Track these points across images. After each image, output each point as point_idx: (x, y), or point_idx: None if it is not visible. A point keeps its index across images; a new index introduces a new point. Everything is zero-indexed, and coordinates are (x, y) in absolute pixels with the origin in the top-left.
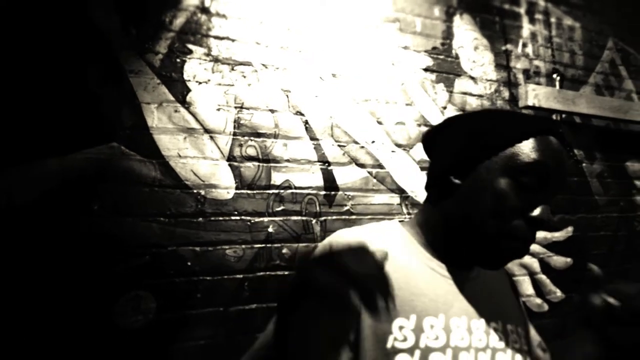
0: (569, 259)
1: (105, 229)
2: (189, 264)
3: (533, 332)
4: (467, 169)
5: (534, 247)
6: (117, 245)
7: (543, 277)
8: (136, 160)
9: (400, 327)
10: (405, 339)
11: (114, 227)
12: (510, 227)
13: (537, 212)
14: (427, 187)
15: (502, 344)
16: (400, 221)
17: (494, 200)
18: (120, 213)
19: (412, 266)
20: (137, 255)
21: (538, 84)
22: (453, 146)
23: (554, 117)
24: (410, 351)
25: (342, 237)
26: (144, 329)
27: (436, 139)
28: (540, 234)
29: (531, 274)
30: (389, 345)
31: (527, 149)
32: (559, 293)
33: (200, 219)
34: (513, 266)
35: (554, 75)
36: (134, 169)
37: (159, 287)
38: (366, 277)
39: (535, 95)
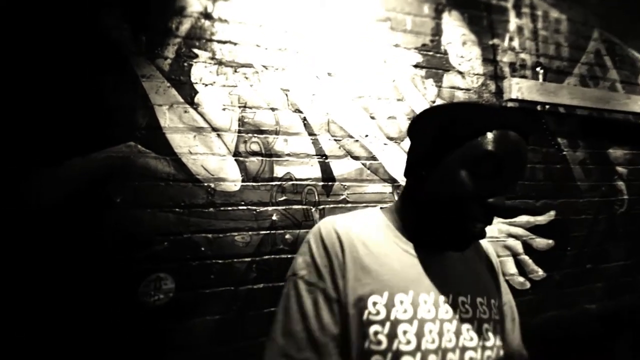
0: (550, 241)
1: (128, 220)
2: (202, 249)
3: (508, 306)
4: (435, 160)
5: (518, 230)
6: (139, 234)
7: (526, 257)
8: (151, 157)
9: (374, 303)
10: (378, 313)
11: (136, 218)
12: (467, 212)
13: (493, 199)
14: (405, 175)
15: (468, 315)
16: (381, 208)
17: (454, 188)
18: (140, 205)
19: (386, 248)
20: (157, 242)
21: (523, 76)
22: (424, 138)
23: (538, 107)
24: (382, 323)
25: (326, 224)
26: (165, 306)
27: (413, 130)
28: (524, 218)
29: (514, 254)
30: (364, 317)
31: (483, 142)
32: (540, 272)
33: (211, 209)
34: (497, 247)
35: (538, 69)
36: (150, 166)
37: (177, 269)
38: (344, 261)
39: (519, 88)
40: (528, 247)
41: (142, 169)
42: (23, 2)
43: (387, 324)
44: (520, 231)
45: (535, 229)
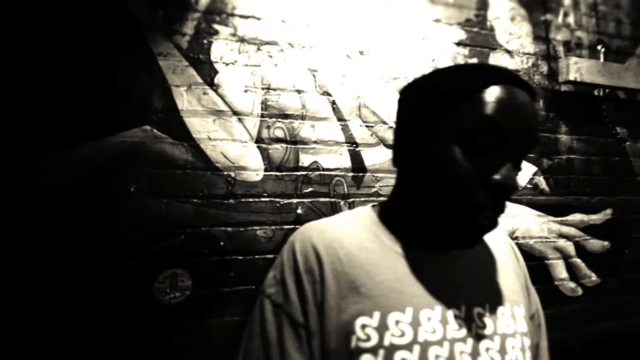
0: (606, 243)
1: (143, 210)
2: (221, 243)
3: (537, 315)
4: (423, 141)
5: (570, 230)
6: (155, 225)
7: (578, 260)
8: (168, 143)
9: (363, 326)
10: (368, 338)
11: (151, 208)
12: (470, 198)
13: (497, 175)
14: (394, 164)
15: (486, 331)
16: (372, 205)
17: (448, 172)
18: (155, 194)
19: (378, 255)
20: (173, 235)
21: (580, 56)
22: (405, 119)
23: (595, 92)
24: (374, 351)
25: (303, 232)
26: (182, 304)
27: (398, 109)
28: (577, 217)
29: (565, 257)
30: (352, 345)
31: (474, 106)
32: (594, 277)
33: (231, 200)
34: (547, 249)
35: (599, 47)
36: (167, 152)
37: (194, 265)
38: (322, 278)
39: (577, 69)
40: (581, 250)
41: (158, 156)
42: None
43: (381, 352)
44: (572, 231)
45: (589, 229)
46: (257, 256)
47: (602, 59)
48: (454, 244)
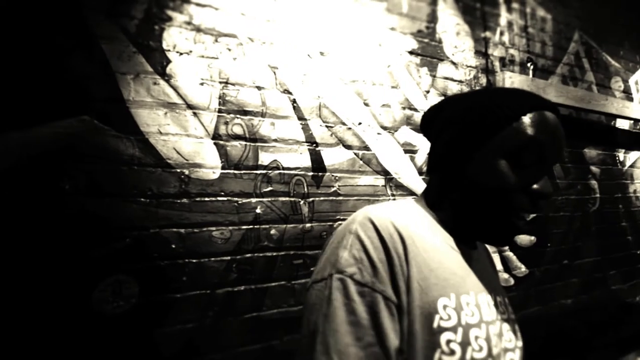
0: (532, 237)
1: (80, 210)
2: (173, 246)
3: None
4: (467, 153)
5: None
6: (95, 228)
7: (510, 254)
8: (112, 135)
9: (445, 307)
10: (449, 318)
11: (90, 208)
12: (514, 204)
13: (537, 185)
14: (430, 171)
15: (505, 316)
16: (414, 199)
17: (496, 181)
18: (96, 193)
19: (439, 246)
20: (117, 238)
21: (513, 71)
22: (452, 130)
23: None
24: (454, 329)
25: (376, 213)
26: (127, 314)
27: (434, 121)
28: None
29: (500, 251)
30: (435, 324)
31: (520, 128)
32: (523, 268)
33: (185, 199)
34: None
35: (528, 64)
36: (110, 145)
37: (142, 271)
38: (406, 258)
39: (511, 82)
40: (512, 244)
41: (98, 149)
42: None
43: (460, 330)
44: None
45: None
46: (212, 258)
47: (530, 75)
48: (495, 241)
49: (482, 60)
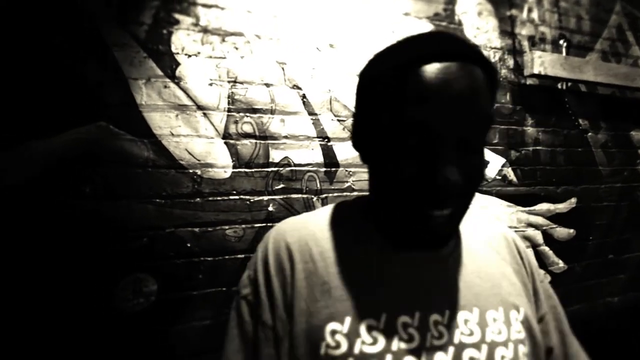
0: (572, 230)
1: (100, 212)
2: (188, 245)
3: (551, 316)
4: (368, 135)
5: (537, 220)
6: (113, 229)
7: (546, 248)
8: (126, 139)
9: (333, 332)
10: (338, 346)
11: (109, 210)
12: (414, 197)
13: (434, 178)
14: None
15: (473, 339)
16: (359, 198)
17: (388, 171)
18: (113, 195)
19: (354, 257)
20: (135, 238)
21: (544, 51)
22: (356, 106)
23: (559, 85)
24: (343, 359)
25: (277, 229)
26: (146, 311)
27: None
28: (544, 206)
29: (534, 245)
30: (322, 352)
31: (400, 101)
32: (561, 264)
33: (198, 199)
34: None
35: (561, 42)
36: (125, 149)
37: (159, 269)
38: (293, 280)
39: (541, 62)
40: (549, 238)
41: (115, 153)
42: None
43: None
44: (540, 220)
45: (556, 218)
46: (227, 256)
47: (564, 53)
48: (415, 245)
49: (508, 40)
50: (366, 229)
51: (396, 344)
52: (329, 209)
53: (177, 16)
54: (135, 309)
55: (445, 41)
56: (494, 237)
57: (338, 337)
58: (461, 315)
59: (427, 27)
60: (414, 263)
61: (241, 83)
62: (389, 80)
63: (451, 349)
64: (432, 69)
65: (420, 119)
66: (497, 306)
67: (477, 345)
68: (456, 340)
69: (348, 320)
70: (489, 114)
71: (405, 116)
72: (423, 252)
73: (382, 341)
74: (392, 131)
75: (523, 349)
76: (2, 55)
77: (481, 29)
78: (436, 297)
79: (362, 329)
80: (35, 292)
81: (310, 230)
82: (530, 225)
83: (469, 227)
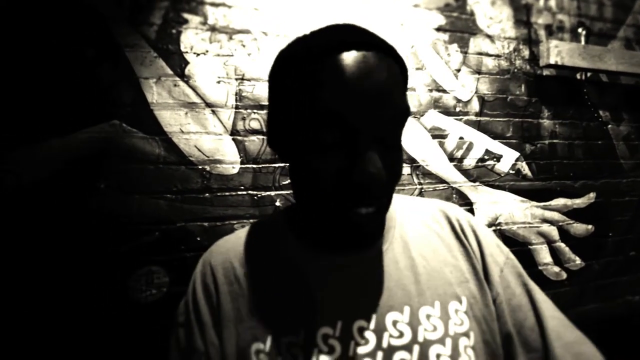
0: (590, 226)
1: (114, 207)
2: (198, 239)
3: (504, 302)
4: (283, 131)
5: (553, 215)
6: (127, 223)
7: (562, 245)
8: (138, 137)
9: (257, 352)
10: None
11: (122, 205)
12: (334, 196)
13: (352, 174)
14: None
15: (403, 340)
16: (288, 207)
17: (303, 169)
18: (126, 191)
19: (277, 272)
20: (147, 232)
21: (561, 40)
22: (270, 97)
23: (577, 76)
24: None
25: (206, 255)
26: (158, 302)
27: None
28: (560, 201)
29: (549, 242)
30: None
31: (309, 92)
32: (578, 261)
33: (207, 194)
34: (530, 234)
35: (580, 30)
36: (137, 146)
37: (170, 262)
38: (219, 304)
39: (558, 52)
40: (565, 234)
41: (128, 151)
42: None
43: None
44: (556, 216)
45: (573, 213)
46: None
47: (583, 42)
48: (341, 247)
49: (523, 30)
50: (288, 241)
51: (322, 356)
52: (255, 225)
53: (186, 15)
54: (148, 299)
55: (363, 32)
56: (433, 218)
57: (262, 357)
58: (390, 317)
59: (437, 18)
60: (338, 269)
61: (248, 80)
62: (304, 65)
63: (379, 354)
64: (351, 56)
65: (337, 109)
66: (433, 301)
67: (407, 347)
68: (384, 345)
69: (269, 339)
70: (406, 107)
71: (320, 104)
72: (349, 255)
73: (301, 357)
74: (307, 122)
75: (466, 342)
76: (25, 60)
77: (494, 19)
78: (362, 301)
79: (283, 346)
80: (56, 281)
81: (237, 251)
82: (545, 221)
83: (404, 214)
